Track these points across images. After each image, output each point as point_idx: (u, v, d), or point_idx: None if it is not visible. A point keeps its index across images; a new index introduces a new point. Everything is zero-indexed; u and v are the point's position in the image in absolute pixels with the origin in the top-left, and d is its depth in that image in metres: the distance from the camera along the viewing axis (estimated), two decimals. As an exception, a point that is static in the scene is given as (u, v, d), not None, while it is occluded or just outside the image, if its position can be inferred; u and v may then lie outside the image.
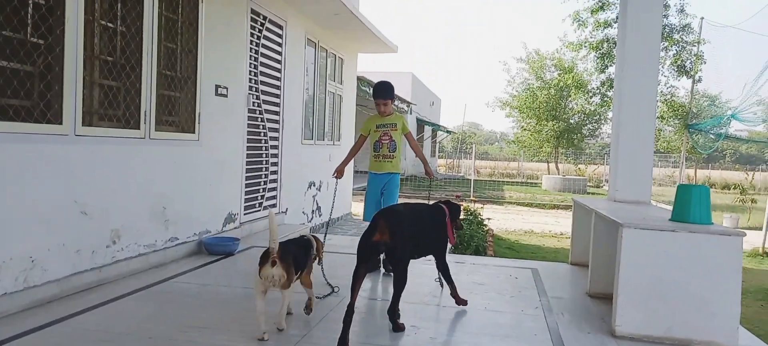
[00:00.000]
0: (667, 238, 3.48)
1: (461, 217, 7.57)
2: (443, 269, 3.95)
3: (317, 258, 3.68)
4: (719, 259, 3.41)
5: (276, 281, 3.13)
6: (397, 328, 3.41)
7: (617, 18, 17.99)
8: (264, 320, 3.18)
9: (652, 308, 3.48)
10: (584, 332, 3.60)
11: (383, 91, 5.00)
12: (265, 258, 3.14)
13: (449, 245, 4.09)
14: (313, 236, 3.72)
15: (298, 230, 7.09)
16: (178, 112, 5.22)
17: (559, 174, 28.41)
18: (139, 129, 4.58)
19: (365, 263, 3.24)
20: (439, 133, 35.31)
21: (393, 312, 3.40)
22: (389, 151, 4.99)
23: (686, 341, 3.42)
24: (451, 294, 4.01)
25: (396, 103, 20.73)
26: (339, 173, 5.08)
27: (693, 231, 3.46)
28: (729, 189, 18.80)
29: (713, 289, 3.41)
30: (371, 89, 5.01)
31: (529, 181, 29.57)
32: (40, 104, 3.69)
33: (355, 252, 3.29)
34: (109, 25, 4.33)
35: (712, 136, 16.14)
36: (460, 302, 3.99)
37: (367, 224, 4.32)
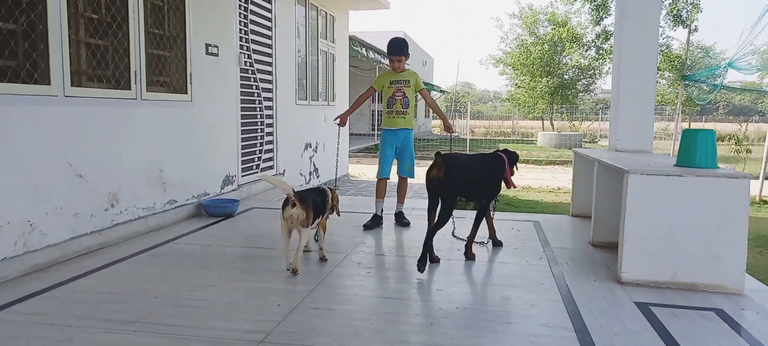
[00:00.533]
0: (674, 183, 3.44)
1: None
2: (480, 215, 4.10)
3: (334, 208, 3.98)
4: (726, 202, 3.38)
5: (296, 220, 3.47)
6: (433, 259, 3.79)
7: (612, -32, 17.69)
8: (291, 254, 3.56)
9: (658, 254, 3.47)
10: (590, 279, 3.59)
11: (398, 47, 4.92)
12: (286, 202, 3.48)
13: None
14: (329, 187, 4.02)
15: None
16: (168, 73, 5.08)
17: (554, 131, 28.38)
18: (130, 89, 4.45)
19: (433, 196, 3.76)
20: (433, 93, 35.06)
21: (428, 241, 3.68)
22: (402, 108, 4.95)
23: (692, 285, 3.43)
24: (466, 244, 4.04)
25: (386, 61, 20.49)
26: (342, 120, 5.06)
27: (700, 175, 3.42)
28: (723, 141, 18.85)
29: (720, 233, 3.39)
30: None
31: (524, 139, 29.52)
32: (27, 64, 3.55)
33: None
34: (93, -19, 4.16)
35: (706, 88, 16.08)
36: (470, 255, 3.97)
37: (378, 181, 5.07)
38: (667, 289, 3.43)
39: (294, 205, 3.45)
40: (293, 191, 3.46)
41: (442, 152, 3.74)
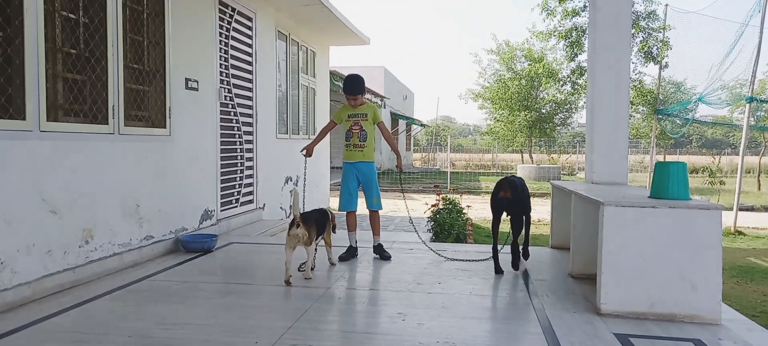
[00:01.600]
0: (648, 214, 3.50)
1: (441, 206, 7.58)
2: (527, 226, 4.81)
3: (333, 226, 4.68)
4: (699, 233, 3.44)
5: (301, 238, 4.10)
6: (526, 255, 4.84)
7: (585, 6, 18.26)
8: (290, 269, 4.13)
9: (636, 285, 3.51)
10: (569, 311, 3.60)
11: (353, 86, 4.99)
12: (292, 223, 4.10)
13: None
14: (328, 209, 4.73)
15: (284, 221, 7.00)
16: (147, 107, 5.06)
17: (533, 163, 28.73)
18: (107, 124, 4.42)
19: (497, 215, 4.64)
20: (414, 126, 35.39)
21: (520, 248, 4.75)
22: (360, 141, 4.99)
23: (670, 316, 3.46)
24: (523, 248, 4.86)
25: (369, 97, 20.69)
26: (308, 151, 5.10)
27: (673, 206, 3.48)
28: (697, 173, 19.29)
29: (694, 263, 3.44)
30: (342, 83, 5.06)
31: (504, 171, 29.79)
32: (2, 99, 3.51)
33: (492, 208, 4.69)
34: (71, 15, 4.16)
35: (679, 122, 16.52)
36: (526, 255, 4.89)
37: (347, 214, 5.14)
38: (645, 320, 3.45)
39: (298, 225, 4.08)
40: (300, 213, 4.10)
41: (505, 177, 4.70)
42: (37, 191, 3.74)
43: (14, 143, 3.57)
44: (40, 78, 3.71)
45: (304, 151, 5.11)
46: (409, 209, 6.18)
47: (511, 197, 4.56)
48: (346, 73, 5.38)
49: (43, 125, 3.76)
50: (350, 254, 5.05)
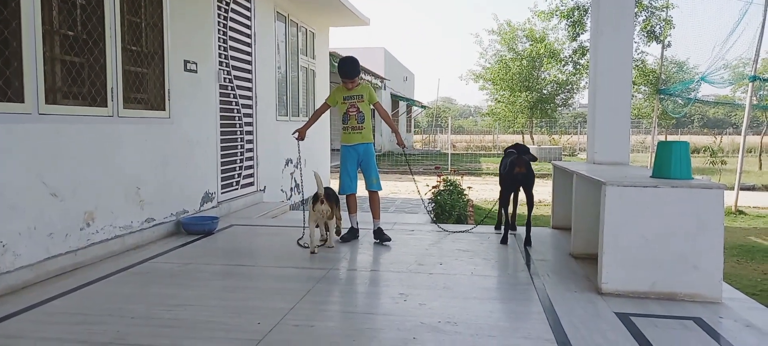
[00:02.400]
0: (650, 194, 3.49)
1: (442, 188, 7.57)
2: (532, 200, 4.99)
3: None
4: (701, 212, 3.43)
5: (325, 214, 4.51)
6: (529, 242, 4.88)
7: (588, -15, 18.07)
8: (315, 240, 4.56)
9: (637, 264, 3.51)
10: (571, 291, 3.61)
11: (348, 69, 4.85)
12: (315, 199, 4.46)
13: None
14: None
15: (279, 208, 7.00)
16: (146, 89, 5.02)
17: (534, 144, 28.68)
18: (106, 106, 4.39)
19: (510, 189, 5.02)
20: (414, 108, 35.26)
21: (528, 229, 4.94)
22: (357, 123, 4.92)
23: (671, 295, 3.46)
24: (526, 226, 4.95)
25: (368, 77, 20.54)
26: (300, 134, 5.04)
27: (675, 186, 3.47)
28: (698, 153, 19.25)
29: (696, 242, 3.44)
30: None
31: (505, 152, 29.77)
32: (0, 82, 3.49)
33: (500, 182, 5.11)
34: (69, -3, 4.11)
35: (681, 102, 16.43)
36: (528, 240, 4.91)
37: (346, 197, 5.08)
38: (646, 299, 3.46)
39: (323, 202, 4.43)
40: (323, 190, 4.44)
41: (519, 156, 4.84)
42: (38, 173, 3.73)
43: (13, 126, 3.55)
44: (38, 61, 3.68)
45: (297, 134, 5.05)
46: (418, 189, 6.15)
47: (526, 172, 4.79)
48: (345, 55, 5.29)
49: (42, 108, 3.73)
50: (351, 235, 5.06)
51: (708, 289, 3.45)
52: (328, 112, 5.41)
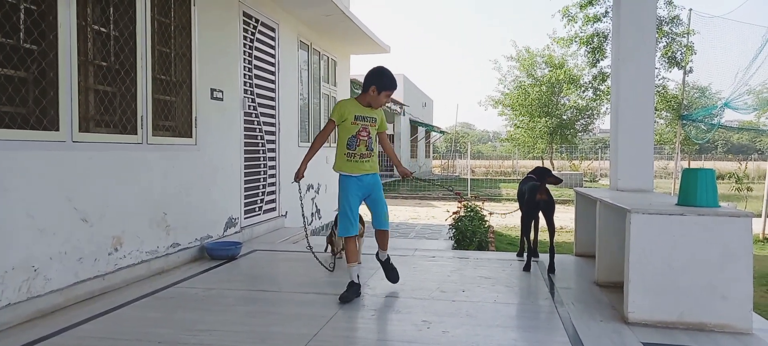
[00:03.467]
0: (676, 222, 3.46)
1: (463, 214, 7.55)
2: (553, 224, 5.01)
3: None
4: (729, 241, 3.38)
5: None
6: (551, 269, 4.89)
7: (607, 12, 18.07)
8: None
9: (664, 294, 3.46)
10: (596, 320, 3.56)
11: (391, 82, 4.00)
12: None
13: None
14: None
15: (297, 235, 7.04)
16: (174, 117, 5.16)
17: (554, 170, 28.45)
18: (136, 134, 4.52)
19: (532, 215, 5.05)
20: (433, 133, 35.35)
21: (552, 256, 4.94)
22: (367, 150, 4.03)
23: (699, 325, 3.40)
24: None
25: (389, 105, 20.71)
26: (298, 175, 4.23)
27: (701, 214, 3.43)
28: (723, 179, 18.91)
29: (724, 271, 3.38)
30: (369, 78, 4.01)
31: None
32: (36, 111, 3.62)
33: (520, 208, 5.18)
34: (102, 29, 4.27)
35: (704, 127, 16.21)
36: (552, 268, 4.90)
37: (347, 241, 4.09)
38: (675, 329, 3.40)
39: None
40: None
41: (536, 182, 4.97)
42: (69, 199, 3.84)
43: (48, 153, 3.67)
44: (73, 90, 3.82)
45: (295, 179, 4.27)
46: (445, 212, 6.14)
47: (547, 199, 4.87)
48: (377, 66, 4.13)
49: (75, 136, 3.86)
50: (353, 292, 3.98)
51: (738, 319, 3.37)
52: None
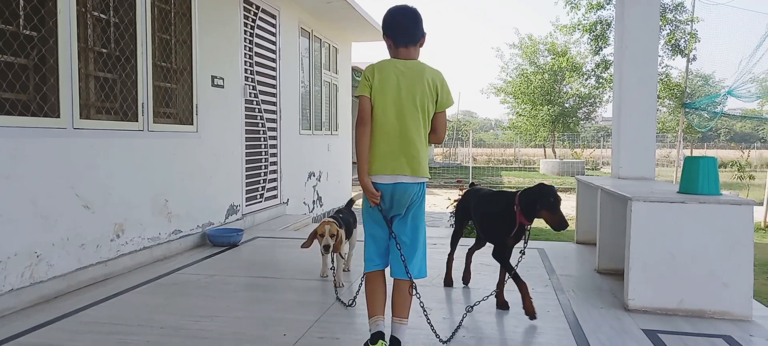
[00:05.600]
0: (677, 210, 3.45)
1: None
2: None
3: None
4: (730, 229, 3.38)
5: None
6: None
7: (610, -1, 17.94)
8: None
9: (664, 281, 3.46)
10: (597, 307, 3.58)
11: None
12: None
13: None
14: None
15: (302, 221, 7.06)
16: (175, 104, 5.15)
17: (556, 158, 28.41)
18: (137, 121, 4.51)
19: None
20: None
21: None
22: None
23: (700, 312, 3.41)
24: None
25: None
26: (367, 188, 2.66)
27: (703, 202, 3.43)
28: (725, 167, 18.87)
29: (725, 259, 3.39)
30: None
31: (526, 166, 29.58)
32: (37, 98, 3.62)
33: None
34: (102, 16, 4.25)
35: (707, 116, 16.15)
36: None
37: (367, 278, 2.82)
38: (674, 316, 3.41)
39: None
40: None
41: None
42: (71, 186, 3.85)
43: (49, 140, 3.68)
44: (74, 77, 3.81)
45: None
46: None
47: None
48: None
49: (76, 123, 3.86)
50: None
51: (738, 306, 3.38)
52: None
